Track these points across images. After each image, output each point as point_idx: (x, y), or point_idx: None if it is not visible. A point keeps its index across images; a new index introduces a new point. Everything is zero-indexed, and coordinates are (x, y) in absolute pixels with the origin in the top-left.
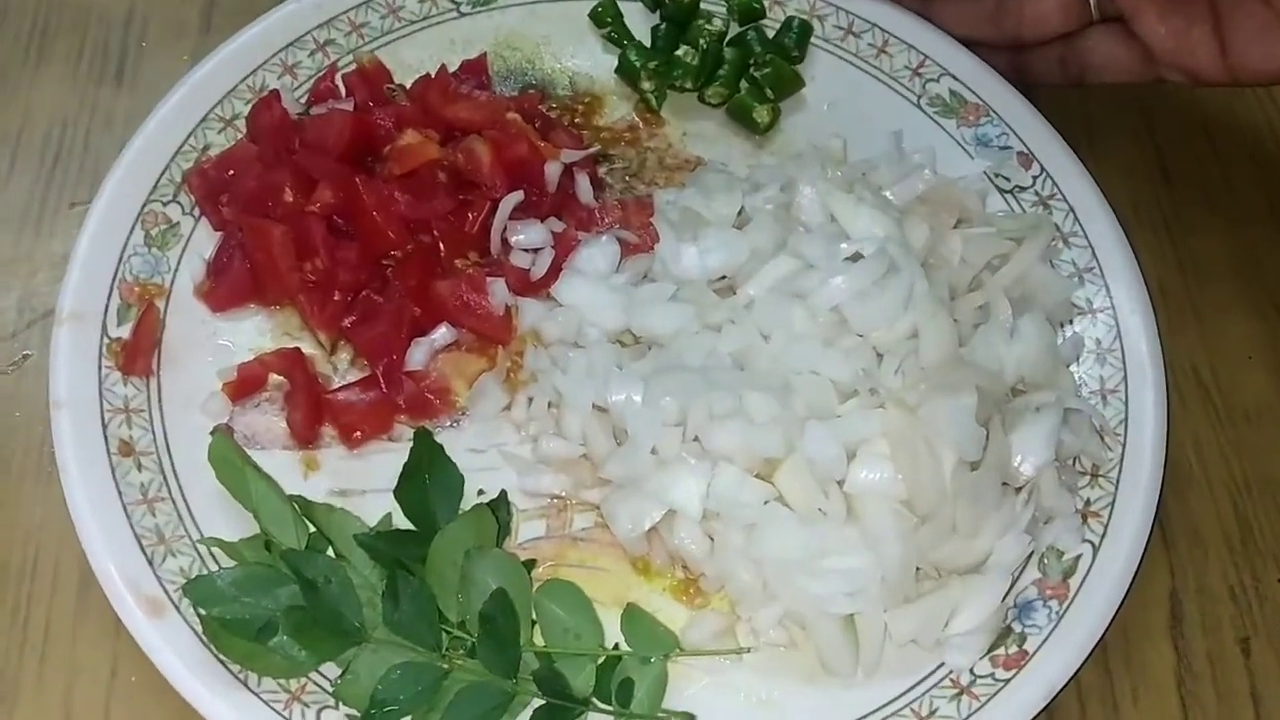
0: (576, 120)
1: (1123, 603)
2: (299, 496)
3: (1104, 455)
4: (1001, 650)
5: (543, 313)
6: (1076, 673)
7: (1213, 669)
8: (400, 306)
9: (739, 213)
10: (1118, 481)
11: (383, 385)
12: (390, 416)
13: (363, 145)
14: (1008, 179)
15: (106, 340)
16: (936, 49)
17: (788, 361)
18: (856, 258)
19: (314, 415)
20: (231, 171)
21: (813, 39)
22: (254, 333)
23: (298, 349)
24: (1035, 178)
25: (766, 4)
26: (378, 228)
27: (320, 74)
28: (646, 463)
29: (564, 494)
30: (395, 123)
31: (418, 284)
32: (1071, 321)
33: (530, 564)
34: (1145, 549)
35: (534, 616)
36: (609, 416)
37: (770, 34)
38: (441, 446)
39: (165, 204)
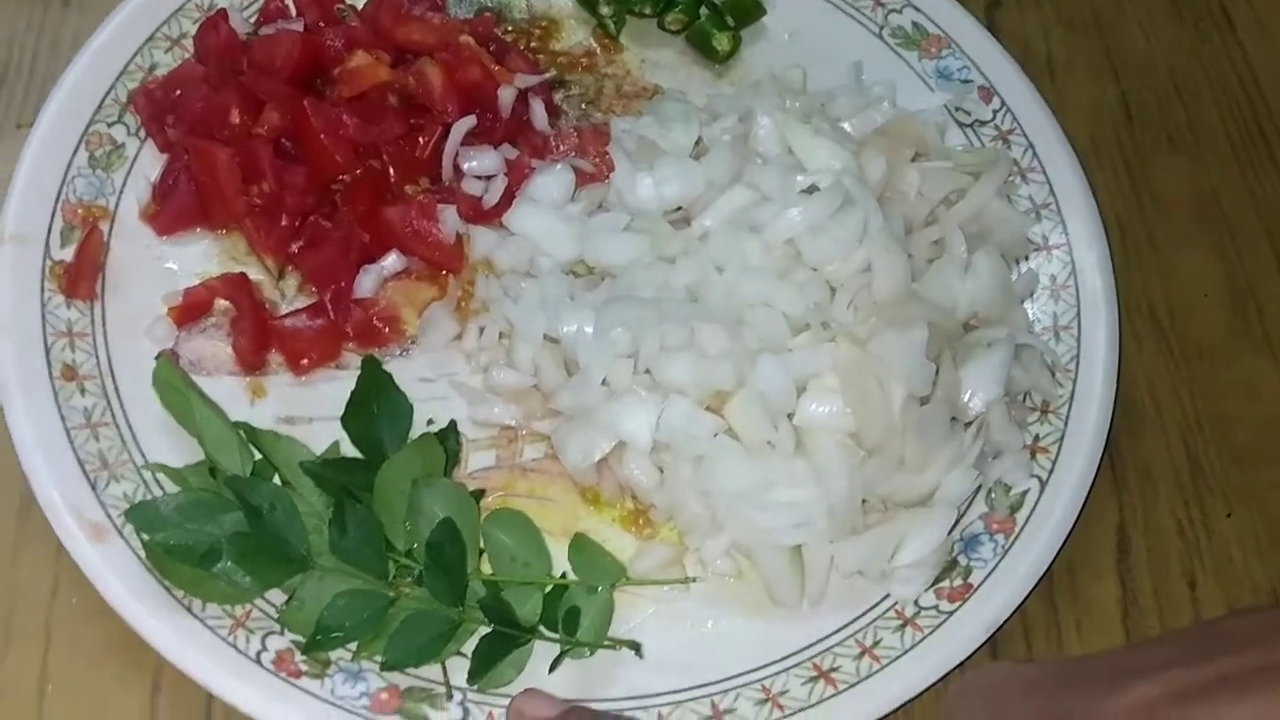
0: (532, 45)
1: (1068, 537)
2: (245, 423)
3: (1054, 391)
4: (946, 583)
5: (495, 241)
6: (1020, 605)
7: (1159, 604)
8: (349, 232)
9: (696, 143)
10: (1067, 417)
11: (330, 312)
12: (338, 344)
13: (312, 67)
14: (968, 113)
15: (49, 263)
16: None
17: (741, 294)
18: (812, 190)
19: (260, 341)
20: (178, 92)
21: None
22: (200, 257)
23: (244, 274)
24: (995, 112)
25: None
26: (326, 151)
27: None
28: (597, 394)
29: (514, 424)
30: (345, 44)
31: (367, 210)
32: (1027, 258)
33: (479, 494)
34: (1093, 484)
35: (481, 545)
36: (560, 347)
37: None
38: (390, 375)
39: (110, 125)
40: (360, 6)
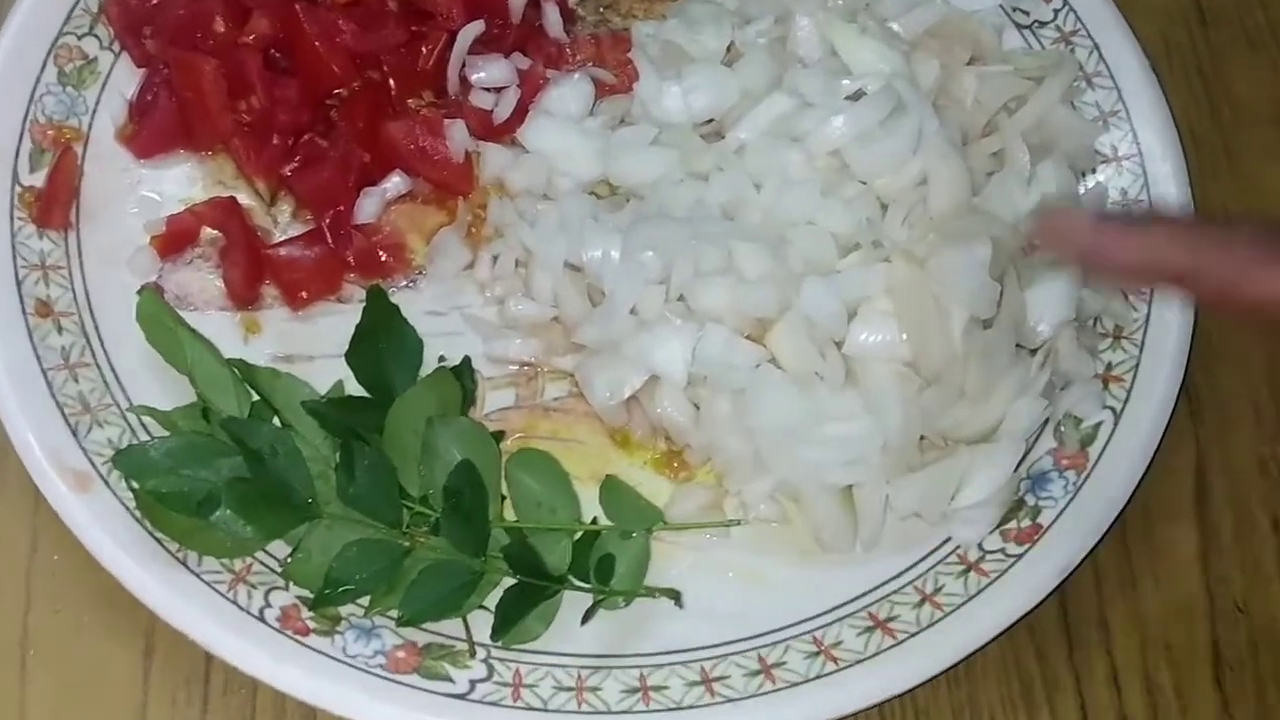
0: None
1: (1145, 475)
2: (240, 360)
3: (1128, 316)
4: (1013, 524)
5: (508, 160)
6: (1093, 549)
7: (1240, 548)
8: (347, 152)
9: (728, 48)
10: (1142, 344)
11: (329, 240)
12: (338, 275)
13: None
14: (1026, 12)
15: (18, 189)
16: None
17: (782, 212)
18: (859, 96)
19: (253, 273)
20: None
21: None
22: (184, 181)
23: (233, 199)
24: (1057, 11)
25: None
26: (321, 61)
27: None
28: (626, 324)
29: (534, 360)
30: None
31: (366, 126)
32: (1095, 170)
33: (499, 435)
34: (1171, 417)
35: (504, 491)
36: (583, 275)
37: None
38: (397, 308)
39: (80, 37)
40: None
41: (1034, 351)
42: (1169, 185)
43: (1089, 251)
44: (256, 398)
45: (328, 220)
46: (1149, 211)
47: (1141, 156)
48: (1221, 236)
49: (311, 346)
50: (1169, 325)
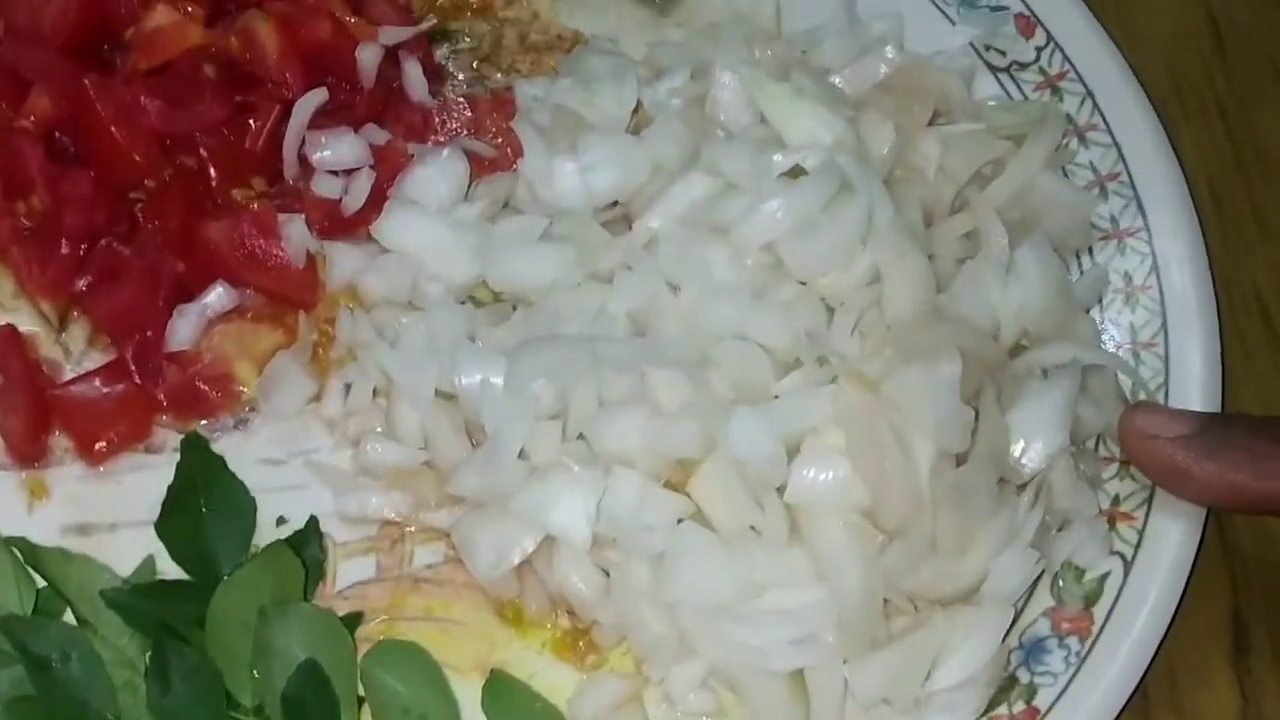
0: None
1: (1167, 634)
2: (21, 539)
3: None
4: (1004, 709)
5: (362, 261)
6: None
7: None
8: (155, 260)
9: (634, 111)
10: None
11: (134, 374)
12: (147, 418)
13: (95, 29)
14: (1003, 52)
15: None
16: None
17: (704, 322)
18: (796, 174)
19: (37, 420)
20: None
21: None
22: None
23: (10, 326)
24: (1040, 50)
25: None
26: (118, 148)
27: None
28: (513, 472)
29: (399, 518)
30: None
31: (180, 227)
32: (1091, 250)
33: (355, 619)
34: (1195, 558)
35: (361, 693)
36: (458, 407)
37: None
38: (222, 459)
39: None
40: None
41: (1021, 488)
42: (1184, 268)
43: (1172, 476)
44: (44, 584)
45: (132, 349)
46: (1240, 419)
47: (1149, 231)
48: None
49: (114, 513)
50: None
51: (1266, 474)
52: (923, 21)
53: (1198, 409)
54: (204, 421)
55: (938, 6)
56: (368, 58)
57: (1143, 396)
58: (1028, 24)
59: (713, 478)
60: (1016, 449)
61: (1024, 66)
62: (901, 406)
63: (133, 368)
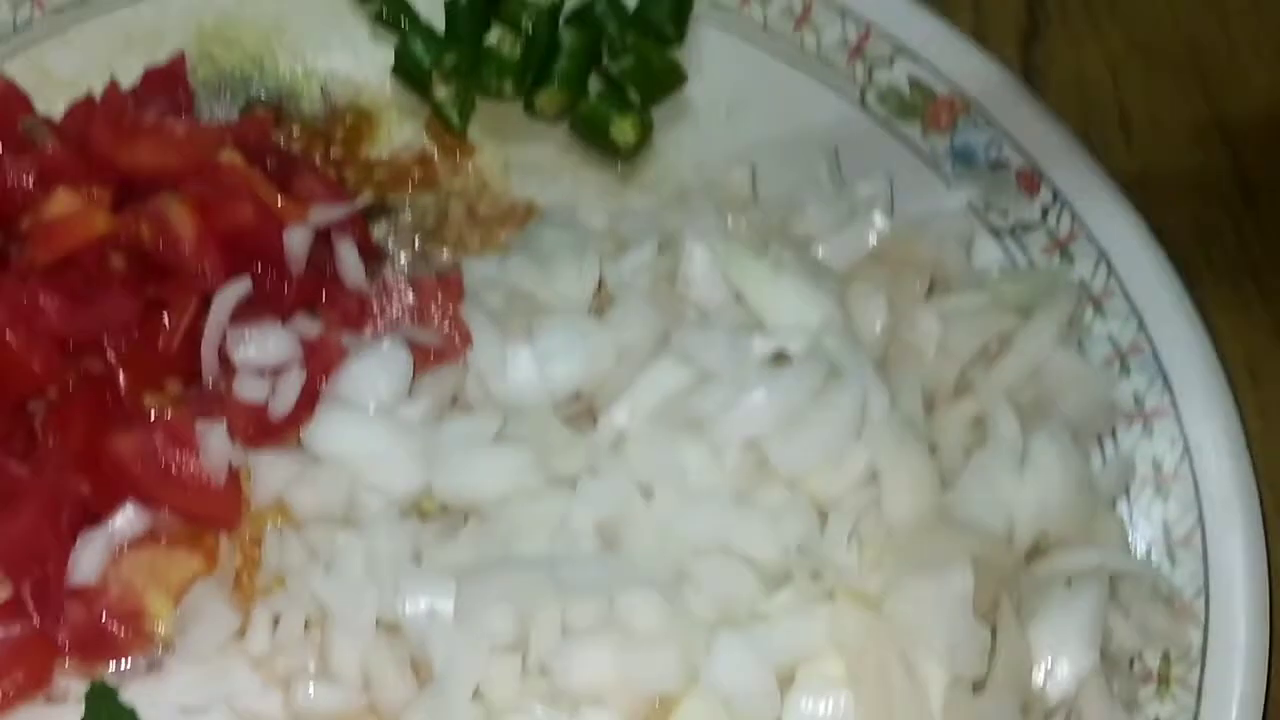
0: (333, 153)
1: None
2: None
3: (1181, 642)
4: None
5: (291, 473)
6: None
7: None
8: (56, 481)
9: (596, 290)
10: (1200, 685)
11: (32, 613)
12: (48, 663)
13: None
14: (1005, 212)
15: None
16: (885, 12)
17: (681, 533)
18: (779, 360)
19: None
20: None
21: (697, 7)
22: None
23: None
24: (1046, 210)
25: None
26: (13, 355)
27: None
28: (466, 715)
29: None
30: (39, 178)
31: (84, 442)
32: (1114, 434)
33: None
34: None
35: None
36: (403, 640)
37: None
38: (133, 710)
39: None
40: (60, 116)
41: (1049, 716)
42: (1220, 452)
43: None
44: None
45: (29, 585)
46: None
47: (1178, 410)
48: None
49: None
50: (1235, 651)
51: None
52: (914, 182)
53: (1244, 620)
54: (112, 666)
55: (929, 164)
56: (296, 241)
57: (1178, 610)
58: (1031, 180)
59: (696, 716)
60: (1040, 671)
61: (1029, 228)
62: (907, 627)
63: (30, 606)
